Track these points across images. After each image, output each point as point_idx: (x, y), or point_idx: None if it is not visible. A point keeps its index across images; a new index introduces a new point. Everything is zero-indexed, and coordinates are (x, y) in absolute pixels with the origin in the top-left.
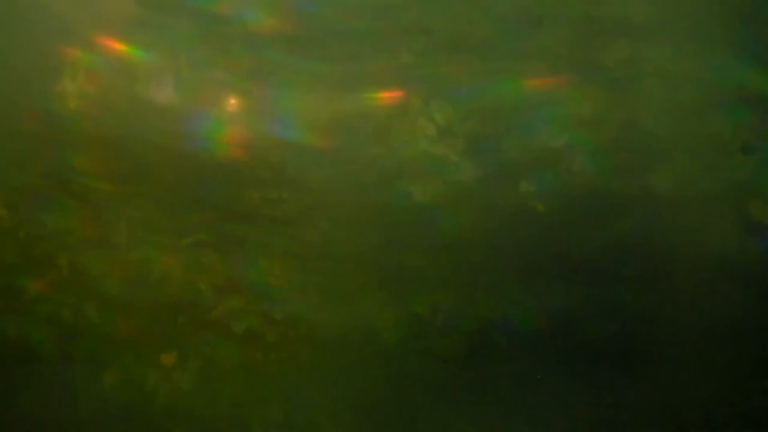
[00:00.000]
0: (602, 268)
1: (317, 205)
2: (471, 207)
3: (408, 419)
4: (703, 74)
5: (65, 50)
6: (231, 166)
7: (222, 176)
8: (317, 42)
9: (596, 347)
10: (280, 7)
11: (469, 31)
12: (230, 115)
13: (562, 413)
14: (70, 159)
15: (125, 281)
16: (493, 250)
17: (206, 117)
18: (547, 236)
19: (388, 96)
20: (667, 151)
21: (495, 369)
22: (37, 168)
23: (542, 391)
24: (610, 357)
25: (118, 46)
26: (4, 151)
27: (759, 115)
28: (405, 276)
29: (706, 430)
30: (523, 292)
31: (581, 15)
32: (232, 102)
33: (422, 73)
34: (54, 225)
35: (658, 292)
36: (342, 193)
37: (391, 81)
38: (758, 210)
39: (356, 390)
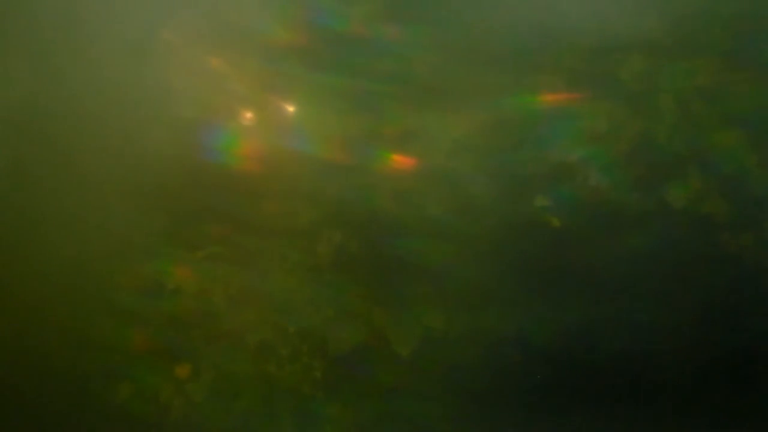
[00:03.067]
0: (617, 283)
1: (331, 218)
2: (485, 221)
3: None
4: (719, 89)
5: None
6: (245, 178)
7: (236, 188)
8: (332, 55)
9: (611, 361)
10: (296, 21)
11: (485, 45)
12: (245, 128)
13: (574, 426)
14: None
15: (139, 293)
16: (507, 263)
17: (221, 129)
18: (562, 250)
19: (402, 110)
20: (682, 167)
21: (508, 382)
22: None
23: (555, 405)
24: (625, 372)
25: None
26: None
27: None
28: (417, 289)
29: None
30: (537, 305)
31: (597, 29)
32: (248, 114)
33: (437, 86)
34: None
35: (673, 307)
36: (355, 206)
37: (406, 95)
38: None
39: (368, 403)
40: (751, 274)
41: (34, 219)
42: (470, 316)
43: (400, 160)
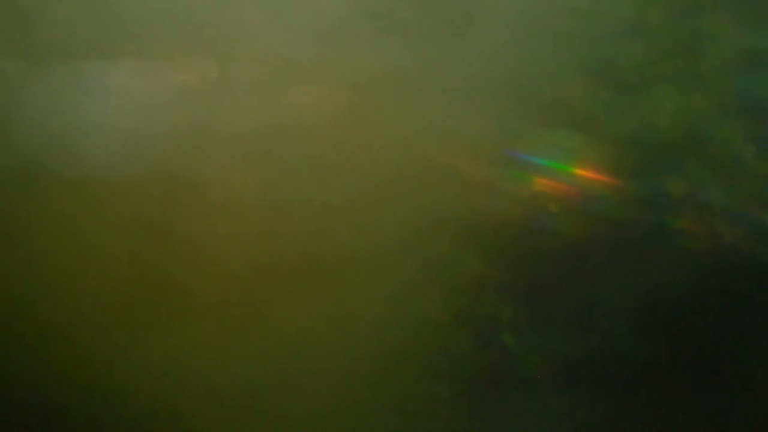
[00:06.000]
0: (609, 271)
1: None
2: (478, 206)
3: (412, 423)
4: (718, 80)
5: None
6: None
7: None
8: None
9: (600, 349)
10: None
11: (483, 36)
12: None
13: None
14: None
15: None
16: (499, 249)
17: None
18: (560, 235)
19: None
20: (680, 157)
21: (503, 368)
22: None
23: (545, 392)
24: (614, 361)
25: None
26: None
27: None
28: (411, 277)
29: None
30: (529, 287)
31: (595, 17)
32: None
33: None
34: None
35: (665, 297)
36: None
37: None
38: None
39: (359, 391)
40: (748, 265)
41: None
42: (463, 302)
43: (378, 155)
